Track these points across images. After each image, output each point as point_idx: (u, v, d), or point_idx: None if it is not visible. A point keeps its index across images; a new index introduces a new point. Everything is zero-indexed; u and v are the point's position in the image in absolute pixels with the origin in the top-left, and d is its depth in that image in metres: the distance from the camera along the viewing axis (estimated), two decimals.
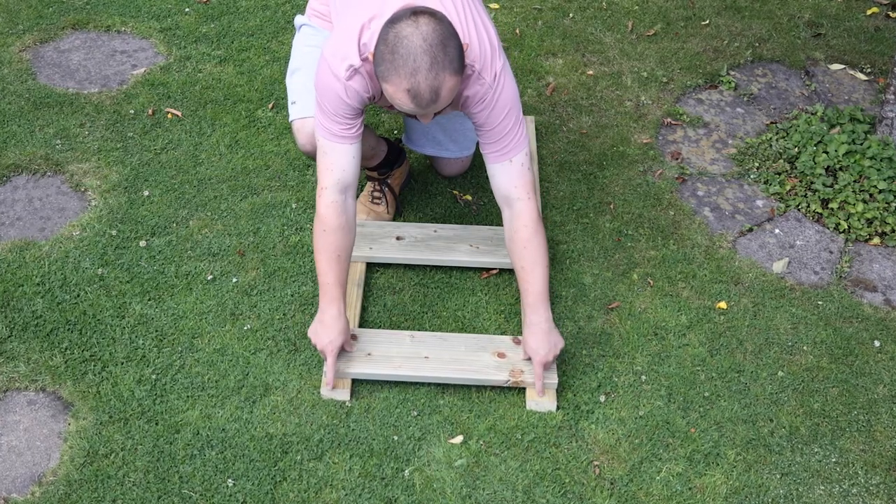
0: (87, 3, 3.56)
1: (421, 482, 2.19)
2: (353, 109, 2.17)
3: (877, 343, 2.57)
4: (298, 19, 2.57)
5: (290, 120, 2.48)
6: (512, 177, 2.23)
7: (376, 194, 2.77)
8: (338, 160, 2.20)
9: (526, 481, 2.21)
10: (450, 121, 2.71)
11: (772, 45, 3.61)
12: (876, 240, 2.86)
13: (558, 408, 2.35)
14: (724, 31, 3.67)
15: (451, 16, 2.09)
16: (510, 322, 2.56)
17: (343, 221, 2.22)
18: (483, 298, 2.61)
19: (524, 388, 2.37)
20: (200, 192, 2.86)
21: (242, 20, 3.53)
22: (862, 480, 2.26)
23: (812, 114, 3.24)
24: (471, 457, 2.24)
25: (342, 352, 2.33)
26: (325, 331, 2.27)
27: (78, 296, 2.53)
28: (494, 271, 2.68)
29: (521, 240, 2.26)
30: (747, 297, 2.67)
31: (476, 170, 2.99)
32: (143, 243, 2.69)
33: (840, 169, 3.00)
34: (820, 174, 2.99)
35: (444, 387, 2.38)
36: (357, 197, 2.43)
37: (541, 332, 2.29)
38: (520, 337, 2.44)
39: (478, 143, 2.41)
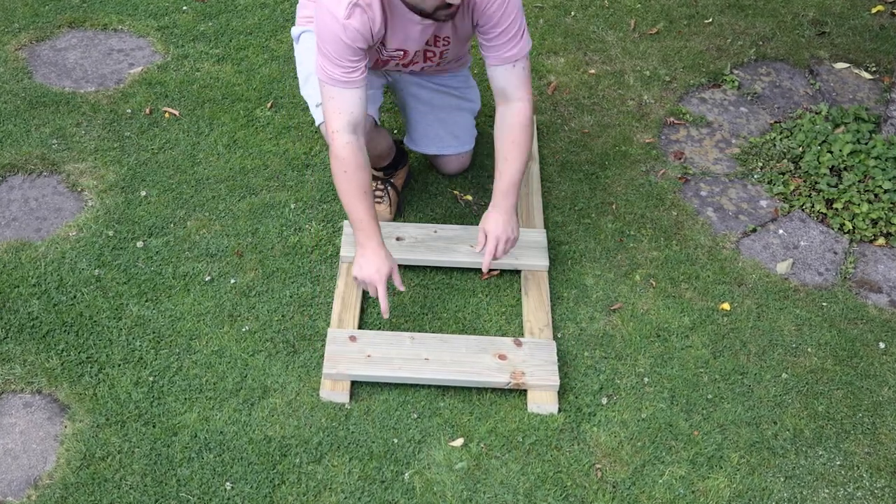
0: (84, 2, 3.54)
1: (421, 485, 2.17)
2: (355, 51, 2.19)
3: (882, 345, 2.55)
4: (295, 30, 2.59)
5: (317, 124, 2.49)
6: (513, 79, 2.33)
7: (378, 193, 2.76)
8: (345, 104, 2.24)
9: (527, 484, 2.19)
10: (449, 115, 2.72)
11: (776, 44, 3.59)
12: (881, 240, 2.84)
13: (560, 410, 2.33)
14: (728, 29, 3.64)
15: None
16: (511, 323, 2.54)
17: (361, 160, 2.27)
18: (484, 300, 2.59)
19: (525, 391, 2.36)
20: (198, 193, 2.84)
21: (241, 18, 3.51)
22: (867, 484, 2.24)
23: (816, 113, 3.22)
24: (471, 459, 2.23)
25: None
26: (368, 263, 2.29)
27: (74, 297, 2.51)
28: (495, 272, 2.66)
29: (512, 135, 2.36)
30: (751, 298, 2.65)
31: (476, 170, 2.97)
32: (140, 244, 2.67)
33: (845, 169, 2.98)
34: (824, 174, 2.97)
35: (444, 389, 2.36)
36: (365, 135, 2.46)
37: (504, 213, 2.40)
38: (520, 338, 2.43)
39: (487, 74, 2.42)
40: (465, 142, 2.80)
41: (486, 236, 2.42)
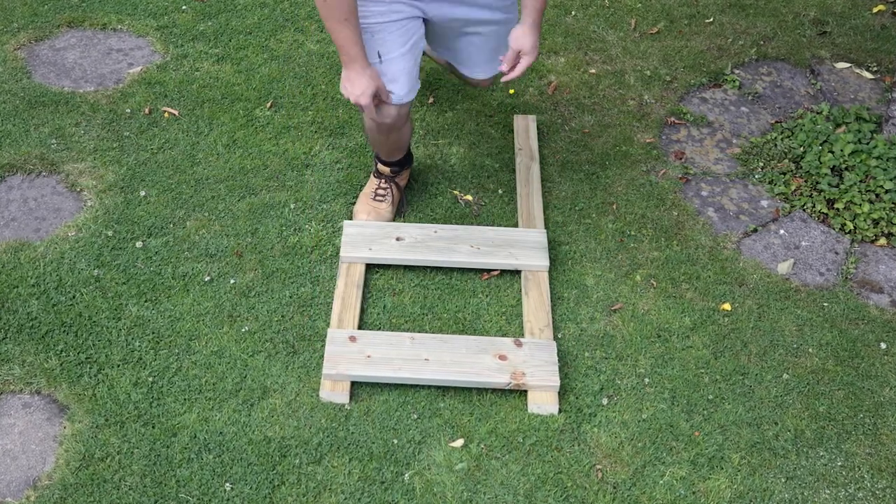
0: (83, 1, 3.53)
1: (421, 486, 2.17)
2: None
3: (883, 345, 2.54)
4: None
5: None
6: None
7: (381, 192, 2.75)
8: None
9: (527, 485, 2.18)
10: (497, 38, 2.57)
11: (777, 44, 3.58)
12: (882, 240, 2.83)
13: (560, 411, 2.33)
14: (729, 29, 3.64)
15: None
16: (511, 324, 2.53)
17: None
18: (484, 300, 2.59)
19: (526, 391, 2.35)
20: (198, 193, 2.83)
21: (240, 18, 3.50)
22: (868, 484, 2.24)
23: (817, 113, 3.21)
24: (471, 460, 2.22)
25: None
26: (353, 84, 2.32)
27: (73, 297, 2.51)
28: (495, 272, 2.65)
29: None
30: (752, 298, 2.64)
31: (476, 170, 2.97)
32: (139, 244, 2.66)
33: (846, 169, 2.97)
34: (825, 174, 2.96)
35: (444, 389, 2.36)
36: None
37: (538, 32, 2.38)
38: (521, 339, 2.42)
39: None
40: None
41: (515, 54, 2.39)
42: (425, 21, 2.48)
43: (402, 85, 2.41)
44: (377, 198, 2.75)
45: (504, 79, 2.45)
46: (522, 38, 2.40)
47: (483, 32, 2.55)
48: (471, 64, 2.66)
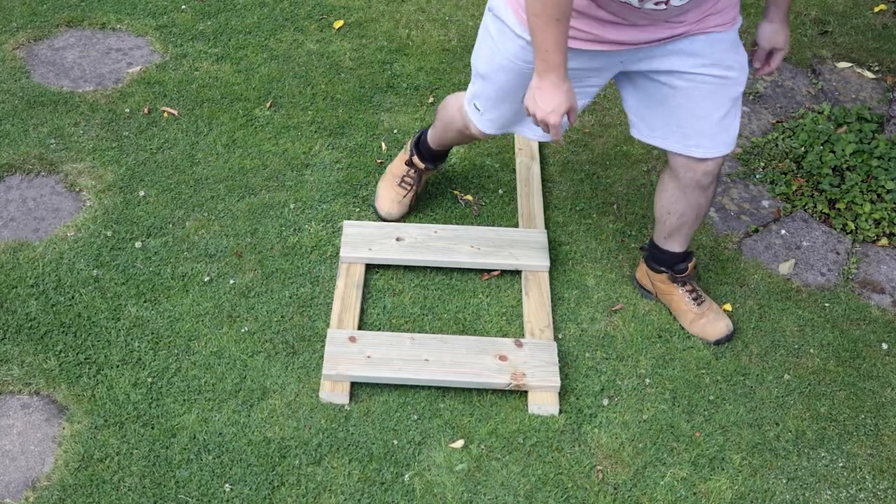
0: (82, 1, 3.52)
1: (421, 487, 2.16)
2: None
3: (884, 346, 2.54)
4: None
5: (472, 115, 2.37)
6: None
7: (409, 180, 2.71)
8: None
9: (528, 486, 2.17)
10: (716, 97, 2.17)
11: None
12: (884, 241, 2.82)
13: (561, 411, 2.32)
14: None
15: None
16: (512, 324, 2.52)
17: None
18: (484, 300, 2.58)
19: (526, 392, 2.34)
20: (197, 193, 2.82)
21: (240, 17, 3.50)
22: (870, 485, 2.23)
23: (819, 113, 3.21)
24: (472, 461, 2.21)
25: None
26: (544, 96, 1.99)
27: (72, 298, 2.50)
28: (496, 273, 2.64)
29: None
30: (753, 298, 2.63)
31: (476, 170, 2.96)
32: (138, 244, 2.65)
33: (847, 169, 2.97)
34: (827, 174, 2.95)
35: (444, 390, 2.35)
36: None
37: (787, 25, 2.20)
38: (521, 339, 2.41)
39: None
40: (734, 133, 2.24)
41: (766, 53, 2.23)
42: (625, 82, 2.23)
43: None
44: (403, 184, 2.71)
45: (757, 73, 2.28)
46: (775, 35, 2.20)
47: (708, 83, 2.15)
48: (694, 133, 2.19)
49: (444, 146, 2.65)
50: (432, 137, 2.63)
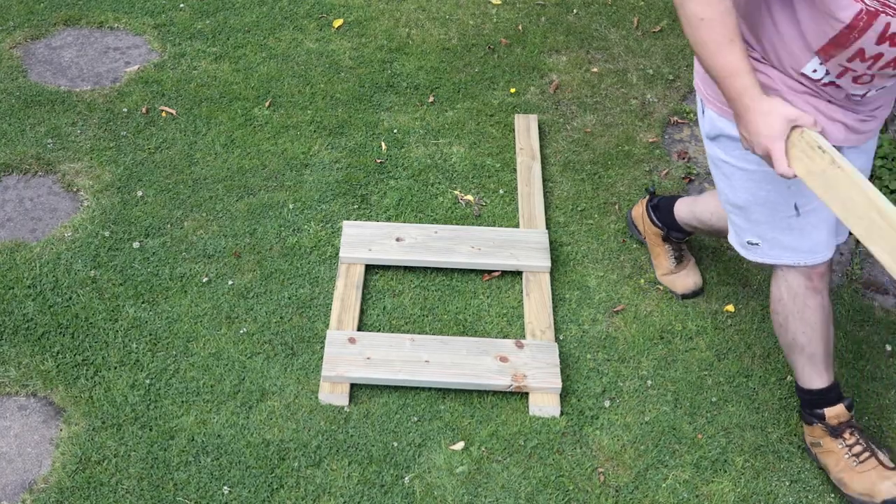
0: None
1: (421, 489, 2.14)
2: None
3: (888, 347, 2.52)
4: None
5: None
6: None
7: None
8: None
9: (529, 489, 2.16)
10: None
11: None
12: None
13: (562, 413, 2.30)
14: None
15: None
16: (512, 325, 2.51)
17: (728, 3, 1.74)
18: (485, 301, 2.57)
19: (527, 393, 2.33)
20: (195, 193, 2.81)
21: (238, 16, 3.48)
22: None
23: None
24: (472, 463, 2.20)
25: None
26: (757, 123, 1.73)
27: (70, 298, 2.48)
28: (496, 273, 2.63)
29: None
30: (756, 299, 2.62)
31: (477, 169, 2.94)
32: (136, 245, 2.64)
33: None
34: None
35: (444, 392, 2.34)
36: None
37: None
38: (522, 340, 2.40)
39: None
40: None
41: None
42: None
43: (827, 234, 2.02)
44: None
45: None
46: None
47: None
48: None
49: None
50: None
